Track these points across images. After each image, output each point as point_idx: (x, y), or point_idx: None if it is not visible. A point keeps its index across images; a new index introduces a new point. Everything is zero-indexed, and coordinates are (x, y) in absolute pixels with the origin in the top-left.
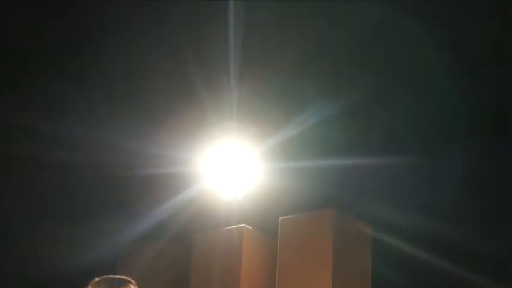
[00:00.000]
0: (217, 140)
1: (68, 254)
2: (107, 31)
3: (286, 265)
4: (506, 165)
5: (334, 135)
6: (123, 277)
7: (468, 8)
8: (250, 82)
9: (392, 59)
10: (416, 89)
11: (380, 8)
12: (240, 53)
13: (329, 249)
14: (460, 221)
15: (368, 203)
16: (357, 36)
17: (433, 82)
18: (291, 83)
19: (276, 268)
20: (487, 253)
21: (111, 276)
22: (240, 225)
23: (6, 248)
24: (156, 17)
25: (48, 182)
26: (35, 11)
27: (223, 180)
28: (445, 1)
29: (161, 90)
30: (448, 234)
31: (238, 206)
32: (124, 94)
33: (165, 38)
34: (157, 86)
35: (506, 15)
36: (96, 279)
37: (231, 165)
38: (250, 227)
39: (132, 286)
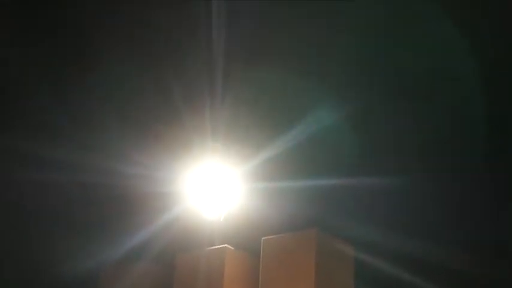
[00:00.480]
0: (200, 160)
1: (51, 274)
2: (87, 56)
3: (269, 285)
4: (488, 187)
5: (316, 156)
6: None
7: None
8: (232, 103)
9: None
10: (394, 112)
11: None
12: (222, 74)
13: (311, 269)
14: (440, 240)
15: (350, 223)
16: (343, 57)
17: (413, 103)
18: (273, 105)
19: None
20: (467, 272)
21: None
22: (223, 246)
23: None
24: (137, 36)
25: (31, 202)
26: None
27: (206, 201)
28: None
29: (144, 112)
30: (428, 253)
31: (220, 226)
32: (107, 116)
33: (147, 62)
34: (140, 108)
35: None
36: None
37: (213, 186)
38: (232, 247)
39: None
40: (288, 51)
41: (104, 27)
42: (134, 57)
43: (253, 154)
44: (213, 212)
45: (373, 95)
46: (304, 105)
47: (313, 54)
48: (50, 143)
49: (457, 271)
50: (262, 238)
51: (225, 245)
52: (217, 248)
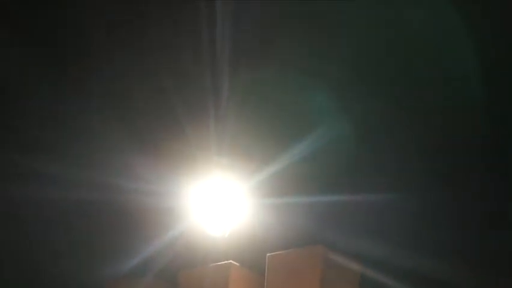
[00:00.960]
0: (204, 175)
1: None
2: (84, 64)
3: None
4: (493, 201)
5: (323, 172)
6: None
7: None
8: (237, 117)
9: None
10: (401, 122)
11: None
12: (228, 87)
13: (317, 286)
14: (448, 257)
15: (357, 240)
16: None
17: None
18: (280, 118)
19: None
20: None
21: None
22: (227, 262)
23: None
24: (136, 44)
25: (31, 218)
26: None
27: (210, 216)
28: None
29: (146, 124)
30: (436, 270)
31: (225, 242)
32: (108, 128)
33: (148, 72)
34: (142, 120)
35: None
36: None
37: (218, 201)
38: (237, 264)
39: None
40: (300, 56)
41: (102, 34)
42: (134, 67)
43: (259, 169)
44: (218, 228)
45: (380, 105)
46: (313, 117)
47: (327, 62)
48: (47, 158)
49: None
50: (267, 254)
51: (230, 261)
52: (222, 264)
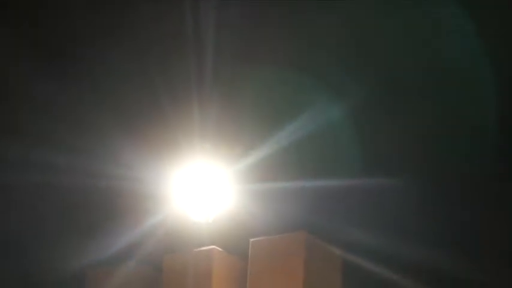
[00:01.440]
0: (188, 161)
1: (36, 276)
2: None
3: (257, 286)
4: (484, 191)
5: (307, 158)
6: None
7: None
8: (221, 102)
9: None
10: (391, 111)
11: None
12: (211, 72)
13: (300, 272)
14: (429, 243)
15: (339, 226)
16: (339, 52)
17: (407, 103)
18: (264, 104)
19: None
20: (458, 276)
21: None
22: (210, 247)
23: None
24: (123, 35)
25: (16, 204)
26: None
27: (194, 202)
28: None
29: (129, 110)
30: (417, 256)
31: (208, 227)
32: (90, 114)
33: (133, 60)
34: (125, 107)
35: None
36: None
37: (202, 187)
38: (220, 249)
39: None
40: (279, 47)
41: (90, 26)
42: (120, 55)
43: (242, 154)
44: (202, 213)
45: (370, 92)
46: (297, 103)
47: (306, 49)
48: (36, 146)
49: (448, 275)
50: (251, 240)
51: (213, 246)
52: (205, 249)
